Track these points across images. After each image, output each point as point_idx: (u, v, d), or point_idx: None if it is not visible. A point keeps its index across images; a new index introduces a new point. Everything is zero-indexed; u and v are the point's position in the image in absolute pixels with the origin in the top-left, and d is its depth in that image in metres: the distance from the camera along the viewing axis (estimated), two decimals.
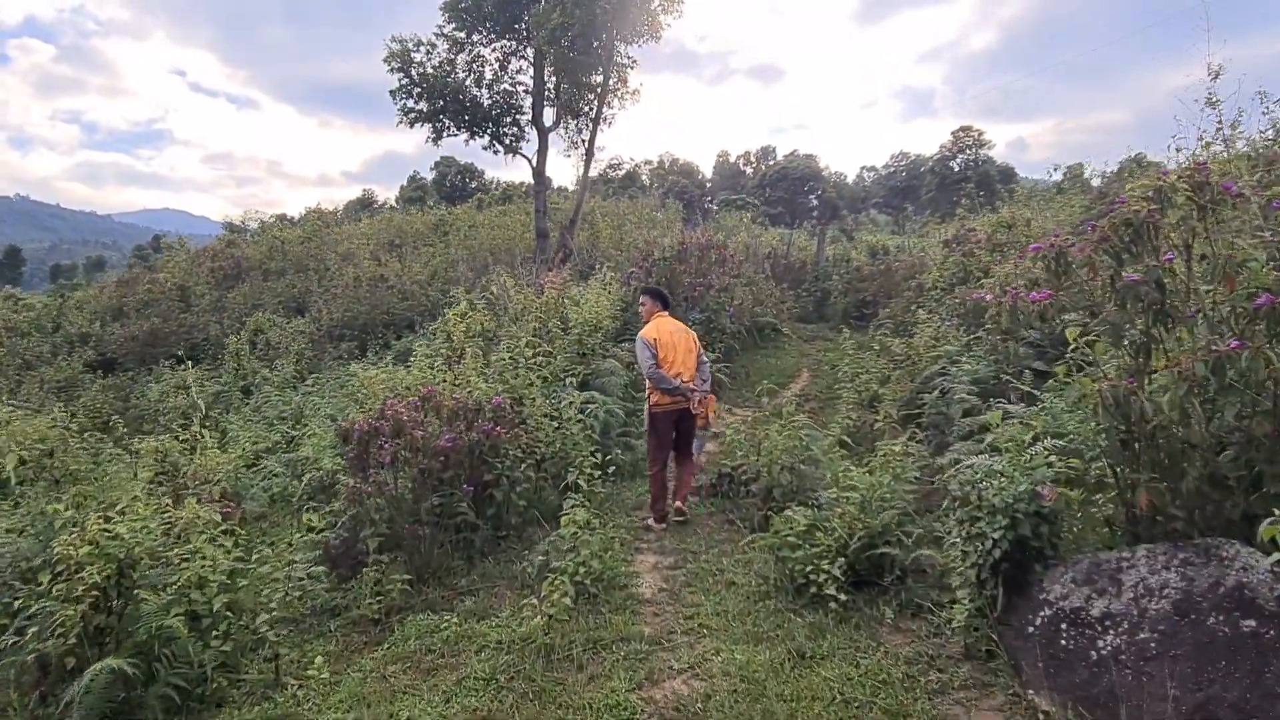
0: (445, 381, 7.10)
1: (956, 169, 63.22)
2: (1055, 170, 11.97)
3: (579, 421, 7.24)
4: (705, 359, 6.99)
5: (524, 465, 6.61)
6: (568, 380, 7.40)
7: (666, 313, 7.09)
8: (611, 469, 7.53)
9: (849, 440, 6.39)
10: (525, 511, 6.79)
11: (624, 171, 62.84)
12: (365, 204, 57.89)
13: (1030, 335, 7.55)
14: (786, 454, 6.44)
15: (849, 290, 19.27)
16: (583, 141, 20.61)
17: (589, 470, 6.81)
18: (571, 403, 7.18)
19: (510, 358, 7.22)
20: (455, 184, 56.55)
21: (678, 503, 6.88)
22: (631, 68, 20.13)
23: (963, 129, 65.56)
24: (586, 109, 20.43)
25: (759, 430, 7.18)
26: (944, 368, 7.82)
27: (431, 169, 61.81)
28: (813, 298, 20.24)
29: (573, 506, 5.45)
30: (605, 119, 20.41)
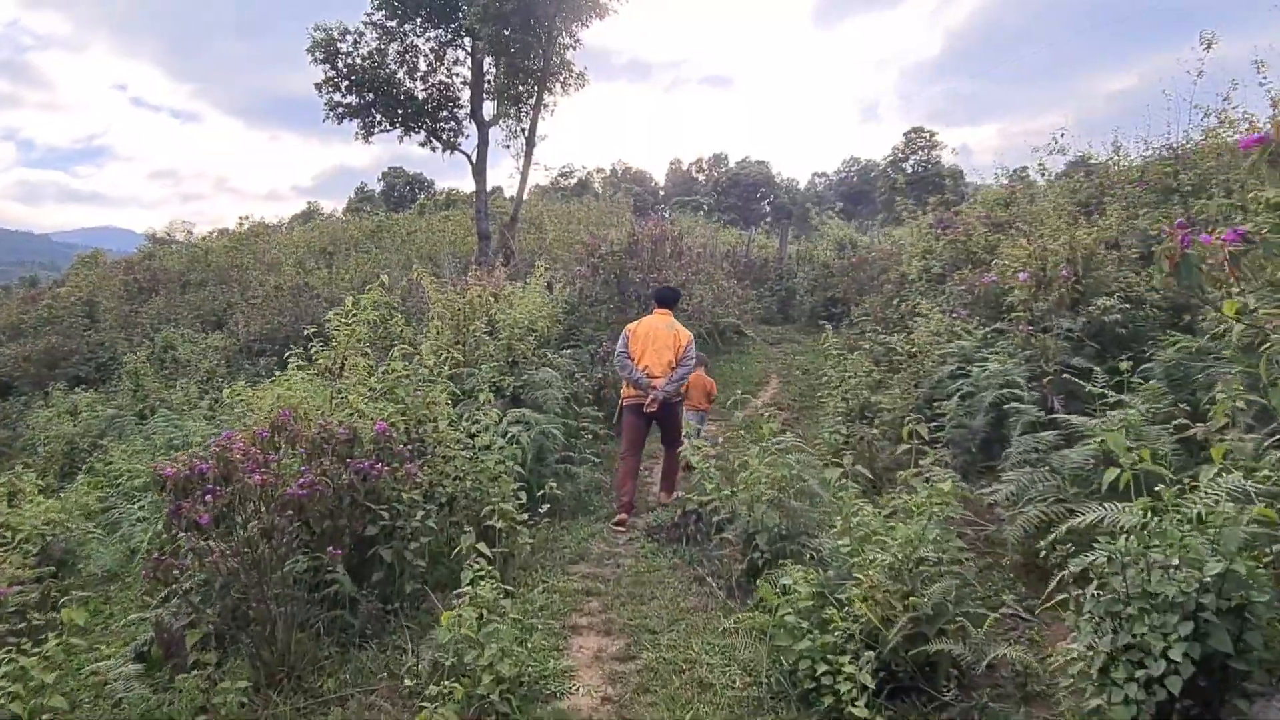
0: (323, 403, 5.36)
1: (910, 170, 62.75)
2: (1051, 151, 10.49)
3: (500, 448, 5.52)
4: (688, 360, 6.61)
5: (422, 512, 4.90)
6: (481, 395, 5.68)
7: (668, 311, 6.96)
8: (545, 507, 5.85)
9: (867, 472, 4.78)
10: (428, 573, 5.08)
11: (576, 180, 61.36)
12: (310, 216, 55.58)
13: (1062, 326, 6.04)
14: (773, 487, 4.82)
15: (815, 288, 17.82)
16: (522, 131, 18.90)
17: (509, 517, 5.14)
18: (488, 425, 5.47)
19: (406, 369, 5.50)
20: (404, 194, 54.70)
21: (661, 494, 6.92)
22: (575, 48, 18.46)
23: (915, 130, 65.05)
24: (526, 96, 18.73)
25: (733, 454, 5.57)
26: (960, 368, 6.27)
27: (379, 180, 59.91)
28: (776, 298, 18.76)
29: (472, 580, 3.76)
30: (547, 106, 18.73)
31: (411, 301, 11.73)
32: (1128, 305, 6.23)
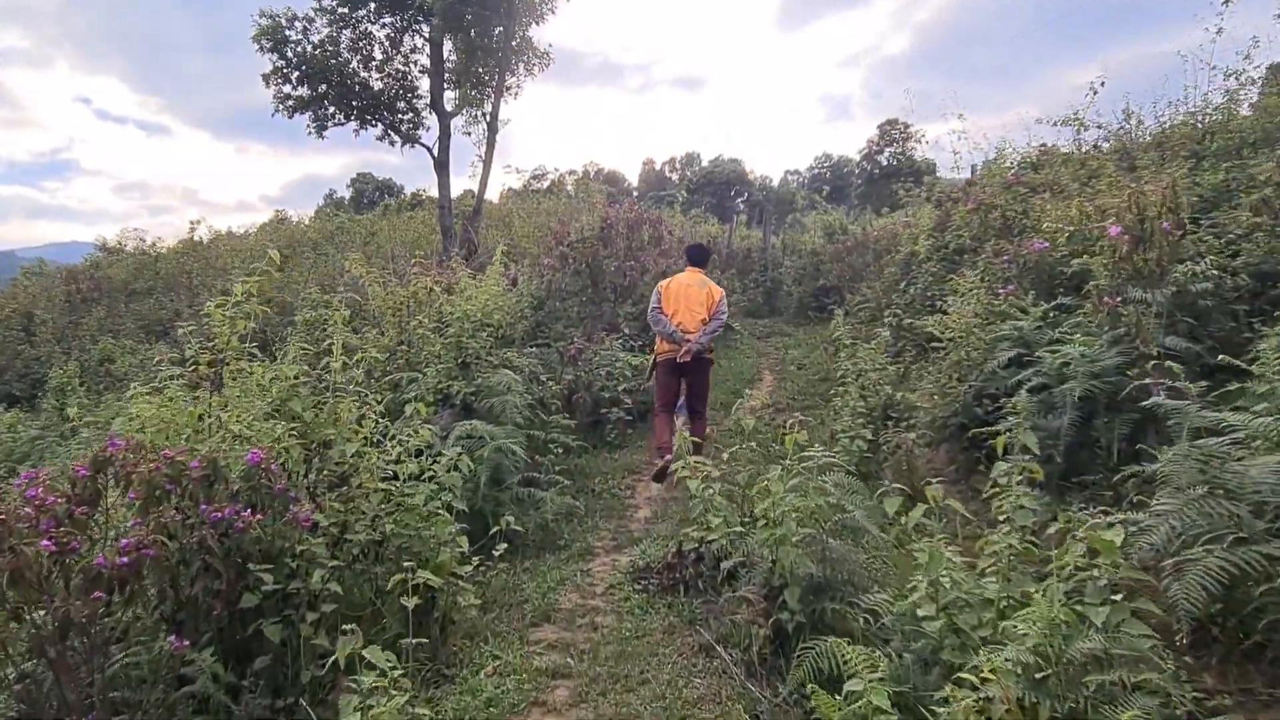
0: (188, 424, 3.99)
1: (885, 162, 62.05)
2: (1078, 118, 9.20)
3: (435, 477, 4.17)
4: (721, 314, 6.76)
5: (321, 571, 3.55)
6: (409, 408, 4.31)
7: (700, 269, 7.05)
8: (501, 547, 4.51)
9: (960, 507, 3.39)
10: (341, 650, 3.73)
11: (549, 182, 60.00)
12: (277, 225, 53.83)
13: (1144, 298, 4.76)
14: (805, 522, 3.50)
15: (803, 278, 16.59)
16: (484, 116, 17.52)
17: (445, 571, 3.80)
18: (420, 445, 4.12)
19: (303, 375, 4.13)
20: (374, 200, 53.28)
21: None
22: (539, 24, 17.05)
23: (889, 122, 64.14)
24: (487, 77, 17.34)
25: (743, 474, 4.25)
26: (1020, 354, 4.99)
27: (348, 186, 58.46)
28: (761, 289, 17.50)
29: (362, 704, 2.41)
30: (510, 88, 17.35)
31: (356, 301, 10.33)
32: (1216, 273, 4.99)
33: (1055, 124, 10.45)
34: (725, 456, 4.51)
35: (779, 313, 16.98)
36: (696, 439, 6.40)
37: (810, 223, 22.32)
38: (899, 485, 3.82)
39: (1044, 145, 8.58)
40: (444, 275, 8.53)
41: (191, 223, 28.99)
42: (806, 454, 3.78)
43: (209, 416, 3.93)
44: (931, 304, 8.83)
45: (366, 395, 4.27)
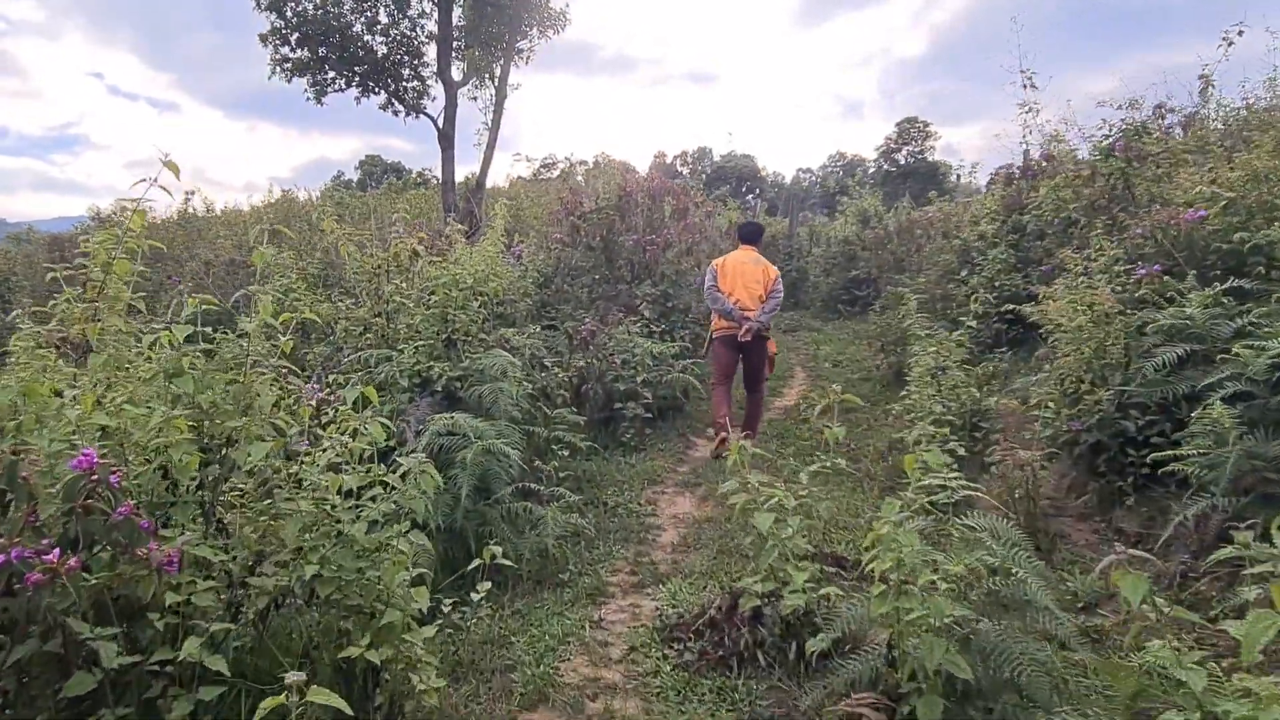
0: (35, 403, 2.76)
1: (902, 161, 60.78)
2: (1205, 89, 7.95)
3: (390, 494, 2.90)
4: (777, 293, 6.65)
5: (197, 639, 2.32)
6: (351, 393, 3.03)
7: (752, 247, 6.93)
8: (485, 586, 3.25)
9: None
10: None
11: (559, 171, 58.82)
12: (273, 202, 52.90)
13: None
14: (954, 594, 2.25)
15: (833, 269, 15.32)
16: (492, 80, 16.25)
17: (394, 638, 2.57)
18: (363, 450, 2.85)
19: (218, 340, 2.88)
20: (381, 182, 52.26)
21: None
22: None
23: (908, 120, 62.68)
24: (497, 39, 16.05)
25: (825, 504, 2.99)
26: (1188, 350, 3.72)
27: (357, 168, 57.52)
28: (786, 279, 16.23)
29: None
30: (521, 52, 16.06)
31: (334, 272, 9.06)
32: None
33: (1125, 104, 9.21)
34: (804, 478, 3.23)
35: (804, 306, 15.78)
36: (752, 415, 6.70)
37: (847, 205, 20.96)
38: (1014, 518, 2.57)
39: (1161, 105, 7.28)
40: (436, 241, 7.30)
41: (186, 193, 27.66)
42: (937, 483, 2.51)
43: (66, 394, 2.69)
44: (1000, 293, 7.63)
45: (324, 377, 3.03)
